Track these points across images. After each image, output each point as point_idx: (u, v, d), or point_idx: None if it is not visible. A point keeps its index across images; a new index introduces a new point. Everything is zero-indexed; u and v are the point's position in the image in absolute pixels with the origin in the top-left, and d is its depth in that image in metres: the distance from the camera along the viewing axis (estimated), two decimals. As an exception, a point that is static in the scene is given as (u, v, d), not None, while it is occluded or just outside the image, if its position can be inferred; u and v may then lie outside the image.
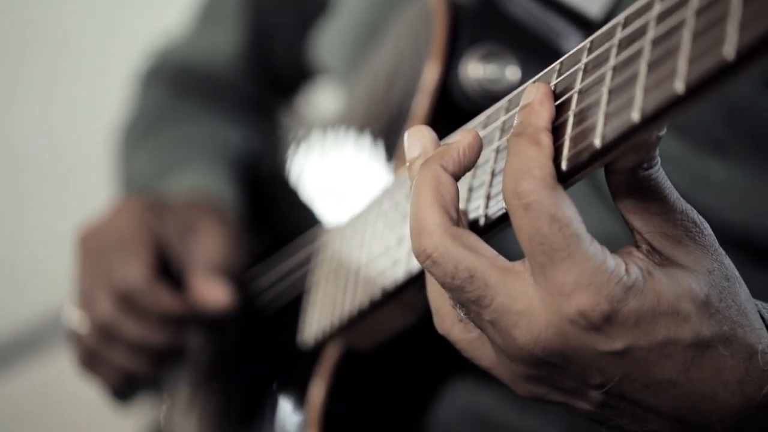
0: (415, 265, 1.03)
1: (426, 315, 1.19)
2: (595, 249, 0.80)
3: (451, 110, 1.24)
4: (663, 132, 0.80)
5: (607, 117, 0.77)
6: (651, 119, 0.75)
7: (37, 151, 3.13)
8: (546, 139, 0.81)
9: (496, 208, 0.87)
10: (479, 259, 0.83)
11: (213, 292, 1.40)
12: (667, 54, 0.74)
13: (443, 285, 0.85)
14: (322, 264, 1.29)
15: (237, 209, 1.54)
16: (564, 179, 0.81)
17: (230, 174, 1.60)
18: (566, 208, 0.80)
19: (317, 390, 1.26)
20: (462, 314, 0.88)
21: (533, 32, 1.22)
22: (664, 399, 0.83)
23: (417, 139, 0.92)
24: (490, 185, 0.89)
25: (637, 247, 0.83)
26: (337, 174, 1.39)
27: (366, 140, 1.33)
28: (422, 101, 1.25)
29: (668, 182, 0.82)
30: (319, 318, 1.26)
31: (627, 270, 0.81)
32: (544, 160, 0.81)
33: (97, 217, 1.50)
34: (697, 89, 0.72)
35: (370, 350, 1.25)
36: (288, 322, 1.36)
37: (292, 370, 1.34)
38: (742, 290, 0.83)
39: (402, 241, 1.07)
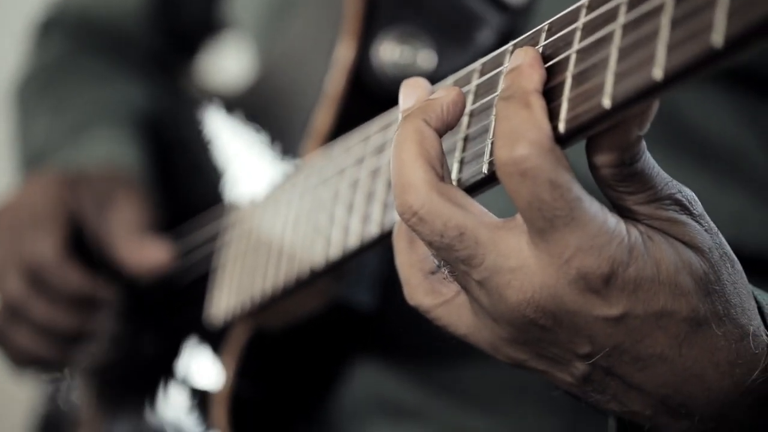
0: (351, 244, 1.02)
1: (334, 298, 1.20)
2: (595, 209, 0.77)
3: (365, 91, 1.23)
4: (644, 131, 0.78)
5: (619, 76, 0.74)
6: (674, 78, 0.71)
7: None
8: (538, 101, 0.78)
9: (470, 172, 0.84)
10: (468, 215, 0.80)
11: (149, 252, 1.34)
12: (697, 9, 0.70)
13: (430, 244, 0.81)
14: (232, 243, 1.26)
15: (148, 177, 1.49)
16: (561, 141, 0.78)
17: (138, 140, 1.54)
18: (565, 171, 0.76)
19: (225, 370, 1.23)
20: (446, 272, 0.83)
21: (450, 15, 1.21)
22: (651, 375, 0.80)
23: (412, 90, 0.87)
24: (464, 150, 0.86)
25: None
26: (244, 145, 1.36)
27: (276, 114, 1.31)
28: (336, 80, 1.23)
29: (655, 169, 0.80)
30: (228, 298, 1.24)
31: (628, 230, 0.78)
32: (539, 122, 0.77)
33: (10, 194, 1.44)
34: (736, 44, 0.68)
35: (279, 331, 1.24)
36: (192, 299, 1.33)
37: (196, 348, 1.31)
38: (737, 270, 0.81)
39: (333, 219, 1.05)
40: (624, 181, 0.80)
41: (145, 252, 1.34)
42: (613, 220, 0.78)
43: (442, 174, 0.82)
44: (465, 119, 0.87)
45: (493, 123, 0.83)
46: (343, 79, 1.23)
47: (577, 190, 0.77)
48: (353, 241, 1.01)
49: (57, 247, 1.34)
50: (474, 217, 0.80)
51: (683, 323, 0.80)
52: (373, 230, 0.98)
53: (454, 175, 0.86)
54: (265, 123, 1.33)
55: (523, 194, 0.77)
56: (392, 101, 0.98)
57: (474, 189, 0.85)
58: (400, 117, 0.87)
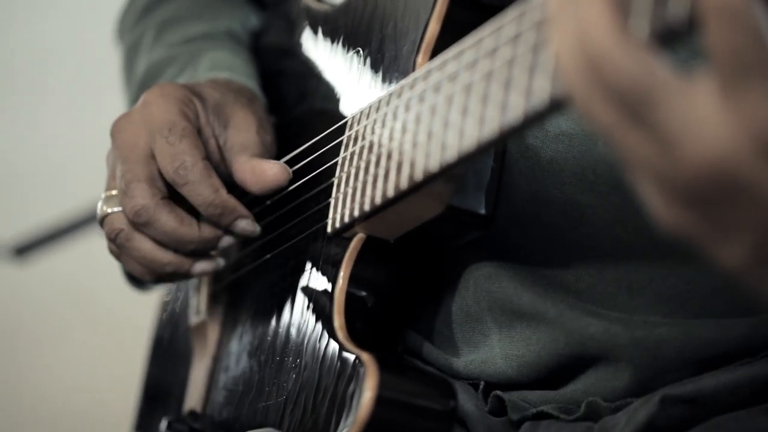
0: (466, 146, 1.03)
1: (450, 205, 1.21)
2: None
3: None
4: None
5: None
6: None
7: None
8: None
9: (660, 23, 0.78)
10: (651, 59, 0.76)
11: (267, 170, 1.35)
12: None
13: (605, 86, 0.77)
14: (348, 154, 1.28)
15: (259, 88, 1.50)
16: None
17: (247, 54, 1.57)
18: None
19: (341, 277, 1.26)
20: (619, 115, 0.78)
21: None
22: None
23: None
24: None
25: None
26: (354, 62, 1.37)
27: (387, 28, 1.31)
28: None
29: None
30: (343, 208, 1.25)
31: None
32: None
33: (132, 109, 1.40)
34: None
35: (396, 238, 1.25)
36: (309, 213, 1.35)
37: (316, 259, 1.33)
38: None
39: (448, 125, 1.06)
40: None
41: (263, 168, 1.35)
42: None
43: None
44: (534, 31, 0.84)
45: None
46: None
47: None
48: (469, 144, 1.02)
49: (197, 153, 1.32)
50: (658, 62, 0.77)
51: None
52: (489, 132, 0.99)
53: (641, 31, 0.80)
54: (376, 38, 1.33)
55: (726, 37, 0.73)
56: (504, 9, 0.98)
57: (664, 42, 0.79)
58: None
